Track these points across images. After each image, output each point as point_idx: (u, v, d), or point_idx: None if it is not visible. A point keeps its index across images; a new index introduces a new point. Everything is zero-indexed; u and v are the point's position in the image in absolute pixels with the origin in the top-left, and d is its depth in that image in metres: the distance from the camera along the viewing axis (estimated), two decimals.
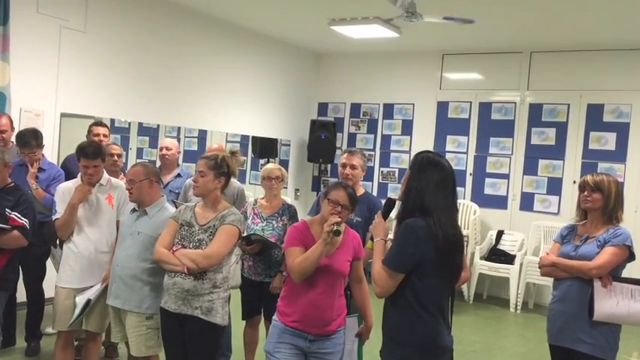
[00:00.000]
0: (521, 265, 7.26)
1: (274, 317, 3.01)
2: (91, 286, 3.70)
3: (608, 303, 3.07)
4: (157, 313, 3.38)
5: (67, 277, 3.72)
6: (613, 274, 3.13)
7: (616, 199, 3.19)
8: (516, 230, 7.69)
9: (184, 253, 3.12)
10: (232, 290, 3.65)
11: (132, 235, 3.44)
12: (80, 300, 3.63)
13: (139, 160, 7.68)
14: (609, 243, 3.12)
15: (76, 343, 4.56)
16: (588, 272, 3.11)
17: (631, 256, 3.16)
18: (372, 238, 2.68)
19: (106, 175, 3.87)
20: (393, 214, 2.69)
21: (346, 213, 2.97)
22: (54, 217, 3.79)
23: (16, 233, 3.66)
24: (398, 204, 2.61)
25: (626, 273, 3.26)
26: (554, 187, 7.58)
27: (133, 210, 3.53)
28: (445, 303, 2.51)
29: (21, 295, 4.71)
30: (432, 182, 2.45)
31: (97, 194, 3.77)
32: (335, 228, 2.82)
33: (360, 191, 4.16)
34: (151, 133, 7.83)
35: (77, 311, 3.63)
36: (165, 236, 3.24)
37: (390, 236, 2.59)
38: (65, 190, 3.79)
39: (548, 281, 3.38)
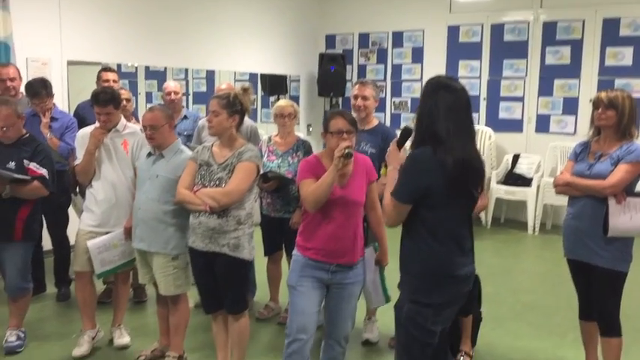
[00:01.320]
0: (538, 187, 7.25)
1: (295, 252, 3.03)
2: (109, 232, 3.74)
3: (622, 218, 3.10)
4: (183, 252, 3.45)
5: (88, 221, 3.78)
6: (627, 190, 3.14)
7: (630, 115, 3.16)
8: (533, 153, 7.62)
9: (205, 192, 3.14)
10: None
11: (150, 178, 3.46)
12: (92, 245, 3.65)
13: (149, 105, 7.67)
14: (623, 160, 3.11)
15: (105, 286, 4.71)
16: (603, 191, 3.12)
17: None
18: (385, 165, 2.65)
19: (123, 120, 3.86)
20: (408, 143, 2.63)
21: (352, 136, 2.94)
22: (75, 163, 3.83)
23: (36, 184, 3.70)
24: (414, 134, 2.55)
25: None
26: (570, 107, 7.45)
27: (149, 154, 3.54)
28: (461, 232, 2.47)
29: (47, 243, 4.81)
30: (442, 106, 2.35)
31: (113, 139, 3.77)
32: (346, 151, 2.80)
33: (374, 122, 4.12)
34: (158, 76, 7.75)
35: (95, 261, 3.66)
36: (185, 177, 3.25)
37: None
38: (84, 135, 3.81)
39: (566, 201, 3.37)
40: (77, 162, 3.81)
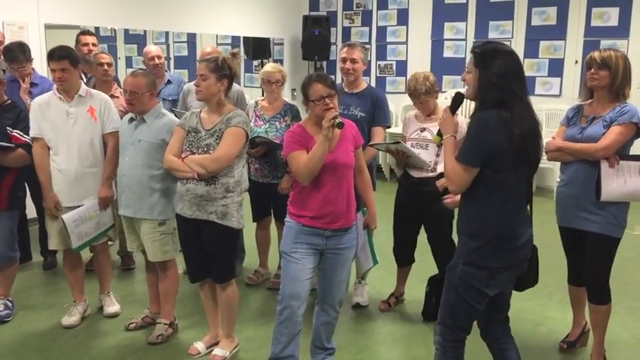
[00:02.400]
0: None
1: (287, 219, 2.99)
2: (81, 205, 3.61)
3: (616, 182, 3.03)
4: (170, 218, 3.41)
5: (61, 196, 3.62)
6: (620, 153, 3.06)
7: (624, 75, 3.06)
8: None
9: (193, 159, 3.09)
10: None
11: (133, 144, 3.39)
12: (67, 219, 3.51)
13: (130, 70, 7.49)
14: (615, 122, 3.02)
15: (91, 255, 4.66)
16: (594, 154, 3.03)
17: (638, 133, 3.08)
18: (439, 134, 2.61)
19: (84, 86, 3.67)
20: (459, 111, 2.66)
21: (334, 98, 2.87)
22: (30, 135, 3.60)
23: (20, 151, 3.61)
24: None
25: (634, 150, 3.19)
26: (556, 68, 7.43)
27: (131, 119, 3.46)
28: (523, 196, 2.48)
29: (30, 212, 4.74)
30: (506, 73, 2.35)
31: (75, 108, 3.57)
32: (337, 121, 2.75)
33: (363, 86, 4.07)
34: (138, 40, 7.58)
35: (72, 235, 3.53)
36: (173, 144, 3.19)
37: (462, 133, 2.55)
38: (41, 103, 3.60)
39: (551, 164, 3.34)
40: (32, 134, 3.58)
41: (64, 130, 3.56)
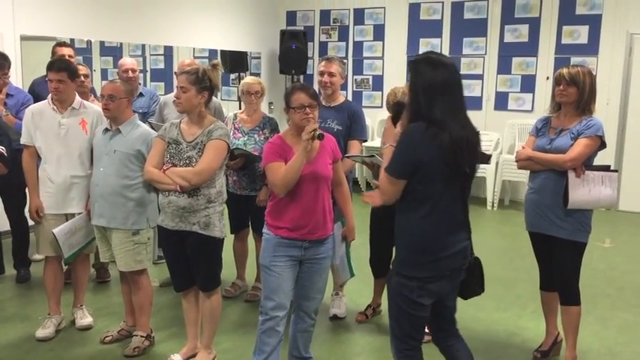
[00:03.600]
0: (497, 164, 7.41)
1: (265, 231, 3.00)
2: (70, 214, 3.64)
3: (582, 191, 3.20)
4: (144, 228, 3.43)
5: (46, 203, 3.66)
6: (585, 164, 3.23)
7: (590, 91, 3.23)
8: (491, 130, 7.75)
9: (175, 171, 3.10)
10: None
11: (108, 154, 3.40)
12: (58, 232, 3.55)
13: (104, 82, 7.46)
14: (582, 135, 3.19)
15: (65, 267, 4.61)
16: (563, 165, 3.20)
17: (602, 145, 3.26)
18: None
19: (78, 98, 3.73)
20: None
21: (315, 110, 2.90)
22: (21, 142, 3.68)
23: None
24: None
25: (597, 161, 3.36)
26: (528, 84, 7.61)
27: (105, 130, 3.48)
28: (452, 209, 2.45)
29: (3, 224, 4.68)
30: (436, 84, 2.34)
31: (67, 119, 3.62)
32: (317, 133, 2.78)
33: (340, 99, 4.13)
34: (114, 52, 7.55)
35: (63, 247, 3.57)
36: (153, 156, 3.20)
37: None
38: (35, 112, 3.67)
39: (524, 177, 3.46)
40: (23, 141, 3.67)
41: (54, 140, 3.61)
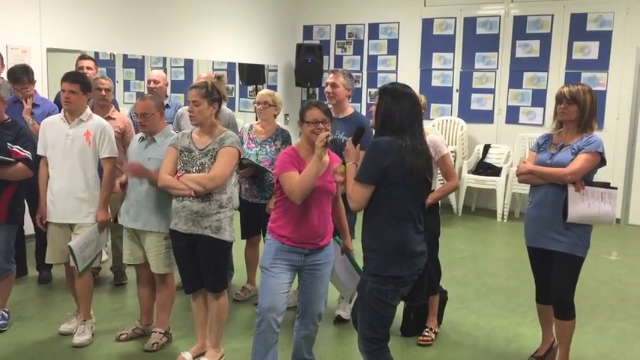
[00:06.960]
0: (507, 176, 7.51)
1: (268, 237, 3.17)
2: (73, 224, 3.77)
3: (581, 206, 3.26)
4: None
5: (49, 211, 3.82)
6: (585, 179, 3.30)
7: (591, 109, 3.30)
8: (502, 143, 7.88)
9: (189, 177, 3.29)
10: None
11: (142, 162, 3.59)
12: (74, 245, 3.68)
13: (127, 93, 7.73)
14: (583, 150, 3.26)
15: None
16: (563, 178, 3.26)
17: (602, 162, 3.33)
18: (344, 163, 2.87)
19: (88, 111, 3.86)
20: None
21: (328, 126, 3.09)
22: (37, 152, 3.83)
23: (20, 165, 3.80)
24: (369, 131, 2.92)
25: (597, 178, 3.43)
26: (539, 98, 7.71)
27: (141, 139, 3.68)
28: (416, 212, 2.75)
29: (29, 228, 4.90)
30: (404, 109, 2.73)
31: (74, 129, 3.76)
32: (330, 138, 2.95)
33: (349, 111, 4.28)
34: (137, 65, 7.83)
35: (78, 260, 3.68)
36: (167, 163, 3.39)
37: None
38: (47, 122, 3.86)
39: (526, 191, 3.54)
40: (39, 152, 3.82)
41: (60, 150, 3.76)
